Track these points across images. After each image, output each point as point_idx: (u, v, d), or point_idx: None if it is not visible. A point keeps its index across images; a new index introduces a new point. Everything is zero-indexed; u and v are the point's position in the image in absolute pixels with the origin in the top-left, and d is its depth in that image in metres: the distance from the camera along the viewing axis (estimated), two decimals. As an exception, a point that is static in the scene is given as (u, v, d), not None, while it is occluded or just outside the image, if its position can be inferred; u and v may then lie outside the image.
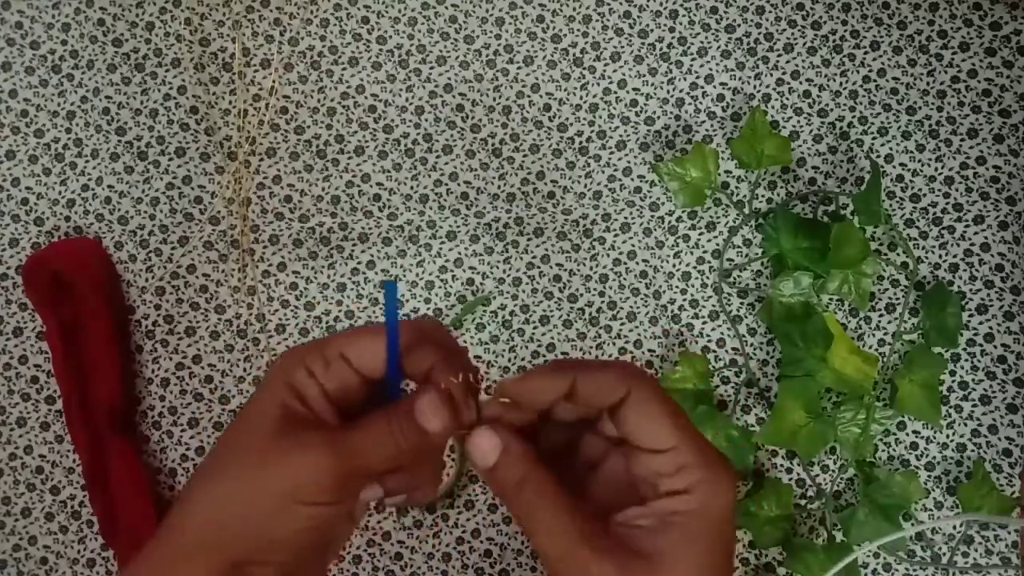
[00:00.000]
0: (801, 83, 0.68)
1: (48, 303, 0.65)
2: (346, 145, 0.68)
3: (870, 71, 0.68)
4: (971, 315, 0.66)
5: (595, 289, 0.67)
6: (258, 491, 0.40)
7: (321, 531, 0.42)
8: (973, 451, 0.65)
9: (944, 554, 0.64)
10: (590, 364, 0.42)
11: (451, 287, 0.67)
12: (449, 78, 0.68)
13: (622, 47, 0.68)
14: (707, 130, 0.68)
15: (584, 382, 0.41)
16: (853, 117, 0.67)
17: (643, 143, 0.68)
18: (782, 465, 0.65)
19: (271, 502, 0.40)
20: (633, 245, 0.67)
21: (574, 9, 0.68)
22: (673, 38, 0.68)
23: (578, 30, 0.68)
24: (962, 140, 0.67)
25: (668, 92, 0.68)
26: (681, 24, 0.68)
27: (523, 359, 0.66)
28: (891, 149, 0.67)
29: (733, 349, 0.66)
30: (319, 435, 0.41)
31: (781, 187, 0.67)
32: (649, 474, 0.40)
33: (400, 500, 0.46)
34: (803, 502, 0.65)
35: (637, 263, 0.67)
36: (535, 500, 0.40)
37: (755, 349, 0.66)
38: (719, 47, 0.68)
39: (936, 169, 0.67)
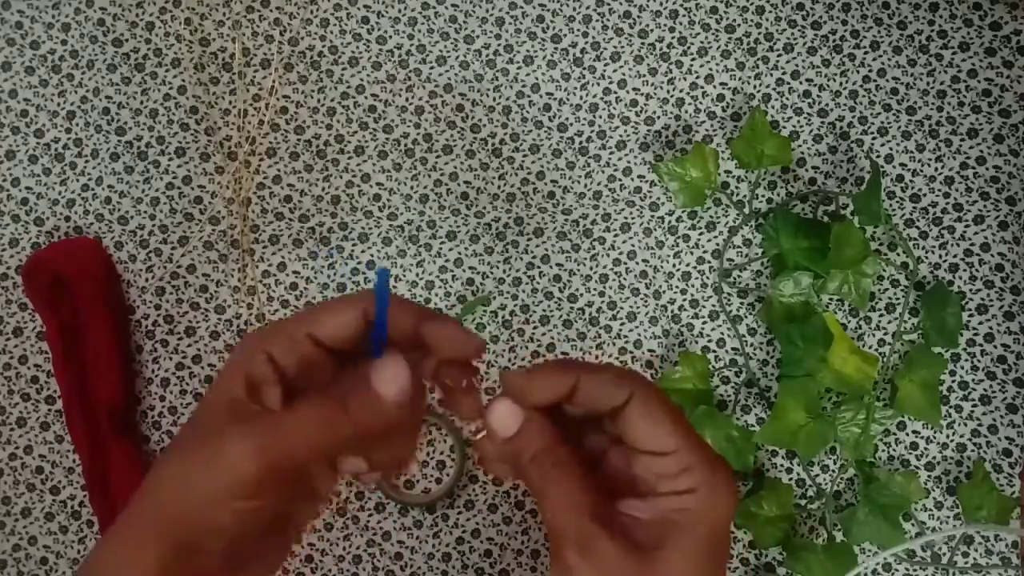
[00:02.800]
0: (801, 83, 0.68)
1: (48, 303, 0.65)
2: (346, 145, 0.68)
3: (870, 71, 0.68)
4: (971, 315, 0.66)
5: (595, 289, 0.67)
6: (190, 482, 0.40)
7: (263, 519, 0.42)
8: (973, 451, 0.65)
9: (944, 554, 0.64)
10: (593, 367, 0.42)
11: (451, 287, 0.67)
12: (449, 78, 0.68)
13: (622, 47, 0.68)
14: (707, 130, 0.68)
15: (587, 383, 0.41)
16: (853, 117, 0.67)
17: (643, 143, 0.68)
18: (782, 465, 0.65)
19: (201, 495, 0.40)
20: (633, 245, 0.67)
21: (574, 9, 0.68)
22: (673, 38, 0.68)
23: (578, 30, 0.68)
24: (962, 140, 0.67)
25: (668, 92, 0.68)
26: (681, 24, 0.68)
27: (523, 359, 0.66)
28: (891, 149, 0.67)
29: (733, 349, 0.66)
30: (247, 428, 0.40)
31: (781, 187, 0.67)
32: (649, 475, 0.41)
33: (375, 476, 0.46)
34: (803, 502, 0.65)
35: (637, 263, 0.67)
36: (552, 472, 0.41)
37: (755, 349, 0.66)
38: (719, 47, 0.68)
39: (936, 169, 0.67)
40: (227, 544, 0.42)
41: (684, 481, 0.40)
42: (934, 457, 0.65)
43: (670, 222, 0.67)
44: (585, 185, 0.67)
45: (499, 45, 0.68)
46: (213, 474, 0.40)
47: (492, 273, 0.67)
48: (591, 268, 0.67)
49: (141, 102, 0.68)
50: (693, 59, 0.68)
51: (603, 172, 0.67)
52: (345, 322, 0.43)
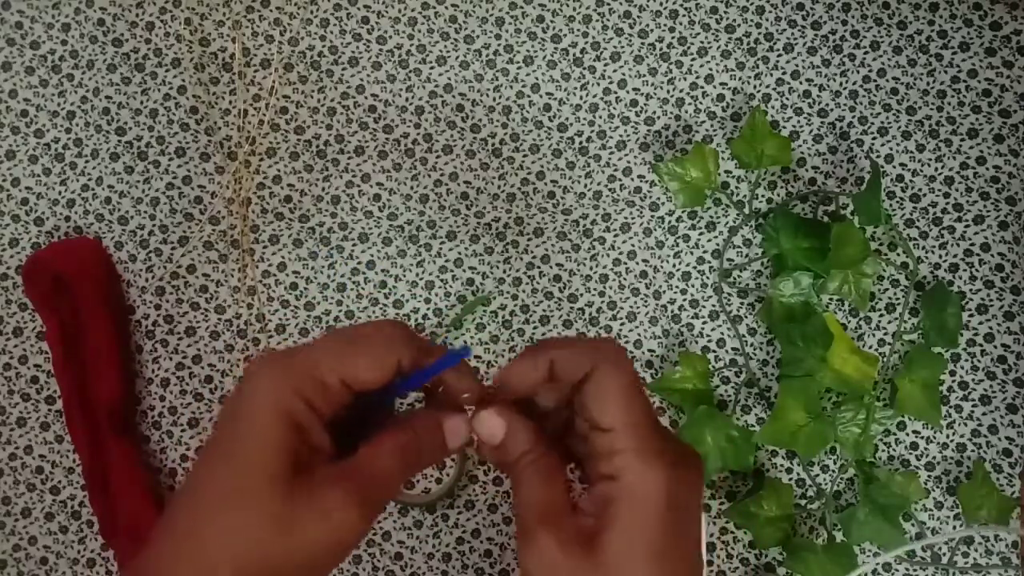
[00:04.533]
0: (801, 83, 0.68)
1: (48, 303, 0.65)
2: (346, 145, 0.68)
3: (870, 71, 0.68)
4: (971, 315, 0.66)
5: (595, 289, 0.67)
6: (289, 546, 0.38)
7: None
8: (973, 451, 0.65)
9: (944, 554, 0.64)
10: (564, 341, 0.43)
11: (451, 287, 0.67)
12: (449, 78, 0.68)
13: (622, 47, 0.68)
14: (707, 130, 0.68)
15: (560, 358, 0.42)
16: (853, 117, 0.67)
17: (643, 143, 0.68)
18: (782, 465, 0.65)
19: (301, 555, 0.38)
20: (633, 245, 0.67)
21: (574, 9, 0.68)
22: (673, 38, 0.68)
23: (578, 30, 0.68)
24: (962, 140, 0.67)
25: (668, 92, 0.68)
26: (681, 24, 0.68)
27: (523, 359, 0.66)
28: (891, 149, 0.67)
29: (733, 349, 0.66)
30: (339, 491, 0.39)
31: (781, 187, 0.67)
32: (592, 453, 0.41)
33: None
34: (803, 502, 0.65)
35: (637, 263, 0.67)
36: (520, 475, 0.42)
37: (755, 349, 0.66)
38: (719, 47, 0.68)
39: (936, 169, 0.67)
40: None
41: (610, 464, 0.40)
42: (934, 457, 0.65)
43: (670, 222, 0.67)
44: (585, 185, 0.67)
45: (499, 45, 0.68)
46: (322, 534, 0.38)
47: (492, 273, 0.67)
48: (591, 268, 0.67)
49: (141, 102, 0.68)
50: (693, 59, 0.68)
51: (603, 172, 0.67)
52: (381, 371, 0.41)
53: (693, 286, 0.67)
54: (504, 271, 0.67)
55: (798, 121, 0.67)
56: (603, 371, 0.41)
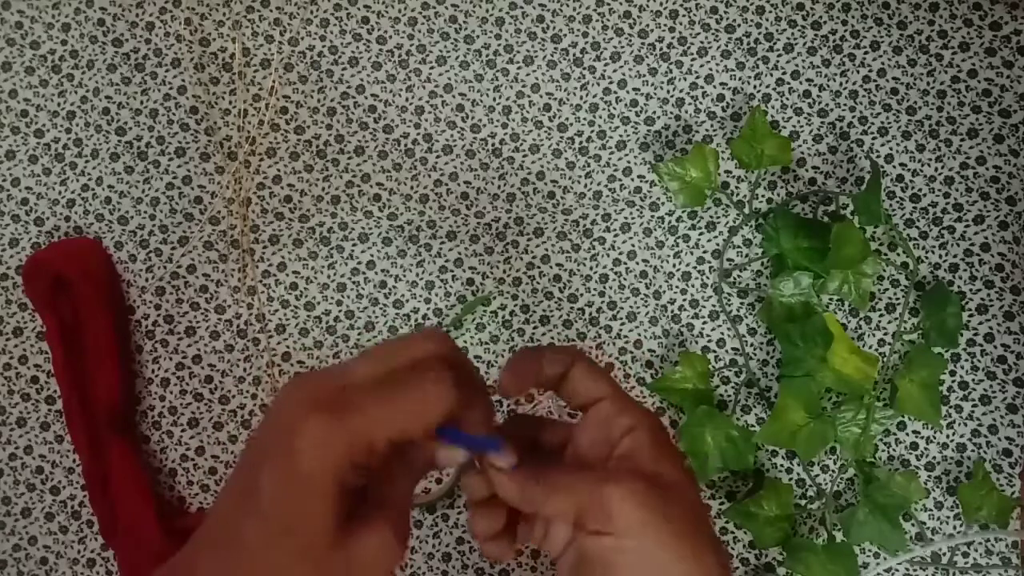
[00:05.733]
0: (801, 83, 0.68)
1: (48, 303, 0.65)
2: (346, 145, 0.68)
3: (870, 71, 0.68)
4: (971, 315, 0.66)
5: (595, 289, 0.67)
6: None
7: None
8: (973, 451, 0.65)
9: (944, 554, 0.64)
10: (541, 350, 0.48)
11: (451, 287, 0.67)
12: (449, 78, 0.68)
13: (622, 47, 0.68)
14: (707, 130, 0.68)
15: (546, 358, 0.48)
16: (853, 117, 0.67)
17: (643, 143, 0.68)
18: (782, 465, 0.65)
19: None
20: (633, 245, 0.67)
21: (574, 9, 0.68)
22: (673, 38, 0.68)
23: (578, 30, 0.68)
24: (962, 140, 0.67)
25: (668, 92, 0.68)
26: (681, 24, 0.68)
27: (523, 359, 0.66)
28: (891, 149, 0.67)
29: (733, 349, 0.66)
30: (378, 526, 0.41)
31: (781, 187, 0.67)
32: (600, 424, 0.47)
33: None
34: (803, 502, 0.65)
35: (637, 263, 0.67)
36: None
37: (755, 349, 0.66)
38: (719, 47, 0.68)
39: (936, 169, 0.67)
40: None
41: (625, 419, 0.46)
42: (934, 457, 0.65)
43: (670, 222, 0.67)
44: (585, 185, 0.67)
45: (499, 45, 0.68)
46: (373, 570, 0.40)
47: (492, 273, 0.67)
48: (591, 268, 0.67)
49: (141, 102, 0.68)
50: (693, 59, 0.68)
51: (603, 172, 0.67)
52: (425, 430, 0.41)
53: (693, 286, 0.67)
54: (504, 271, 0.67)
55: (798, 121, 0.67)
56: (581, 360, 0.48)
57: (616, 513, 0.42)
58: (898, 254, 0.66)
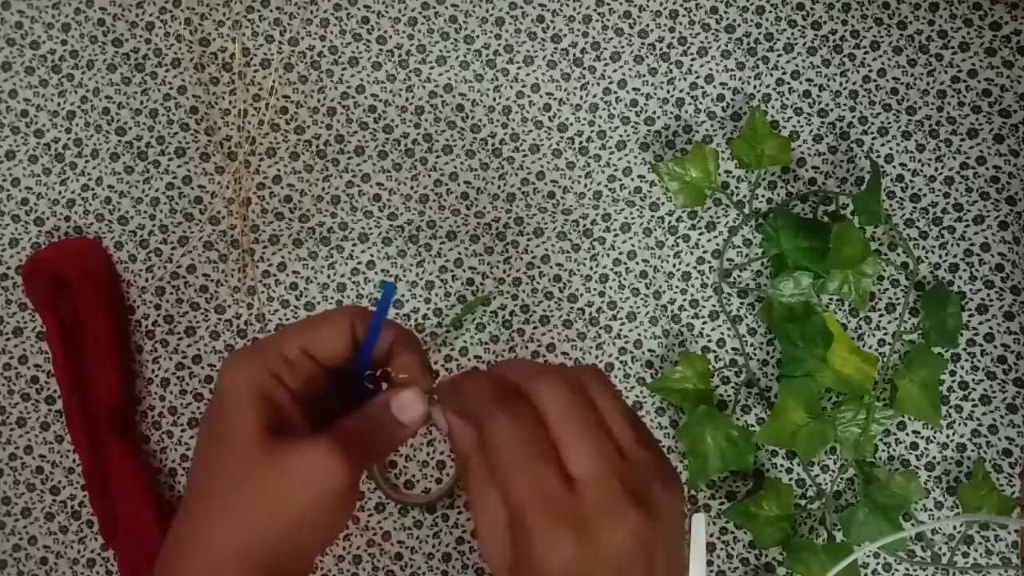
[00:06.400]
0: (801, 83, 0.68)
1: (48, 303, 0.65)
2: (346, 145, 0.68)
3: (870, 71, 0.68)
4: (971, 315, 0.66)
5: (595, 289, 0.67)
6: (280, 503, 0.40)
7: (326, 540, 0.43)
8: (973, 451, 0.65)
9: (944, 554, 0.64)
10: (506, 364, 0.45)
11: (451, 287, 0.67)
12: (449, 78, 0.68)
13: (622, 47, 0.68)
14: (707, 130, 0.68)
15: (504, 372, 0.44)
16: (853, 117, 0.67)
17: (643, 143, 0.68)
18: (782, 465, 0.65)
19: (296, 514, 0.40)
20: (633, 245, 0.67)
21: (574, 9, 0.68)
22: (673, 38, 0.68)
23: (578, 30, 0.68)
24: (962, 140, 0.67)
25: (668, 92, 0.68)
26: (681, 24, 0.68)
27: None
28: (891, 149, 0.67)
29: (733, 349, 0.66)
30: (318, 443, 0.41)
31: (781, 187, 0.67)
32: None
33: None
34: (803, 502, 0.65)
35: (637, 263, 0.67)
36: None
37: (755, 349, 0.66)
38: (719, 47, 0.68)
39: (936, 169, 0.67)
40: (308, 565, 0.43)
41: None
42: (934, 457, 0.65)
43: (670, 222, 0.67)
44: (585, 185, 0.67)
45: (499, 45, 0.68)
46: (309, 486, 0.40)
47: (492, 273, 0.67)
48: (591, 268, 0.67)
49: (141, 102, 0.68)
50: (693, 59, 0.68)
51: (603, 172, 0.67)
52: (339, 337, 0.44)
53: (693, 286, 0.67)
54: (504, 271, 0.67)
55: (798, 121, 0.67)
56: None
57: None
58: (898, 254, 0.66)
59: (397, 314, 0.67)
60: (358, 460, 0.42)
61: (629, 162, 0.67)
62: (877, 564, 0.64)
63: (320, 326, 0.44)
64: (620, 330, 0.66)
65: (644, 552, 0.36)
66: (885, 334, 0.66)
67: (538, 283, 0.67)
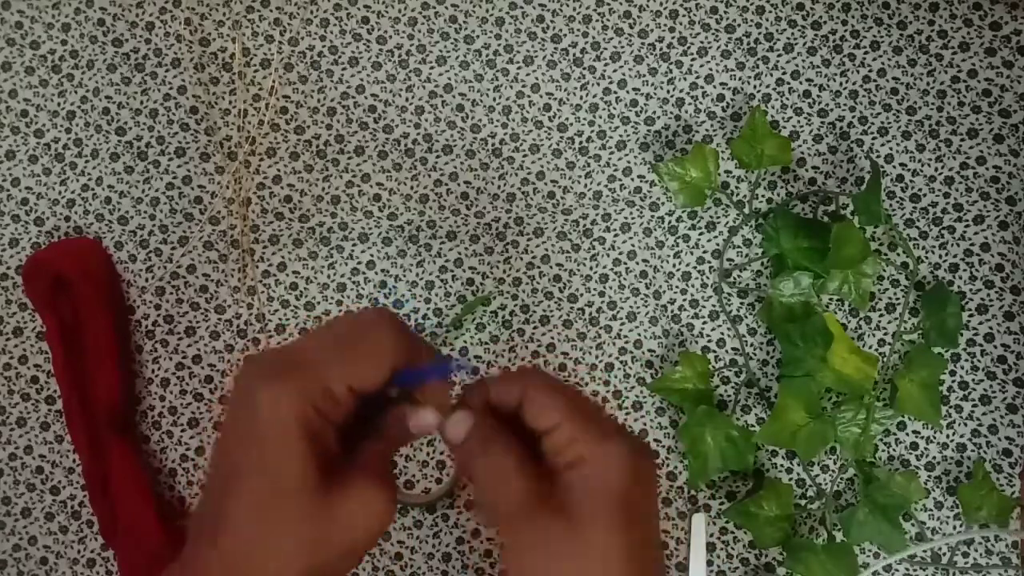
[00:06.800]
0: (801, 83, 0.68)
1: (48, 303, 0.65)
2: (346, 145, 0.68)
3: (870, 71, 0.68)
4: (971, 315, 0.66)
5: (595, 289, 0.67)
6: (331, 552, 0.41)
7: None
8: (973, 451, 0.65)
9: (944, 554, 0.64)
10: (493, 379, 0.45)
11: (451, 287, 0.67)
12: (449, 78, 0.68)
13: (622, 47, 0.68)
14: (707, 130, 0.68)
15: (494, 389, 0.45)
16: (853, 117, 0.67)
17: (643, 143, 0.68)
18: (782, 465, 0.65)
19: (342, 548, 0.41)
20: (633, 245, 0.67)
21: (574, 9, 0.68)
22: (673, 38, 0.68)
23: (578, 30, 0.68)
24: (962, 140, 0.67)
25: (668, 92, 0.68)
26: (681, 24, 0.68)
27: (523, 359, 0.66)
28: (891, 149, 0.67)
29: (733, 349, 0.66)
30: (367, 482, 0.41)
31: (781, 187, 0.67)
32: (550, 453, 0.43)
33: None
34: (803, 502, 0.65)
35: (637, 263, 0.67)
36: (484, 458, 0.44)
37: (755, 349, 0.66)
38: (719, 47, 0.68)
39: (936, 169, 0.67)
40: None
41: (573, 451, 0.42)
42: (934, 457, 0.65)
43: (670, 222, 0.67)
44: (585, 185, 0.67)
45: (499, 45, 0.68)
46: (361, 523, 0.41)
47: (492, 273, 0.67)
48: (591, 268, 0.67)
49: (141, 102, 0.68)
50: (693, 59, 0.68)
51: (603, 172, 0.67)
52: (382, 371, 0.43)
53: (693, 286, 0.67)
54: (504, 271, 0.67)
55: (798, 121, 0.67)
56: (531, 385, 0.44)
57: None
58: (898, 254, 0.66)
59: (397, 314, 0.66)
60: (393, 483, 0.43)
61: (629, 162, 0.67)
62: (880, 567, 0.64)
63: (364, 360, 0.42)
64: (620, 330, 0.66)
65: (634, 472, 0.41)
66: (885, 334, 0.66)
67: (538, 283, 0.67)
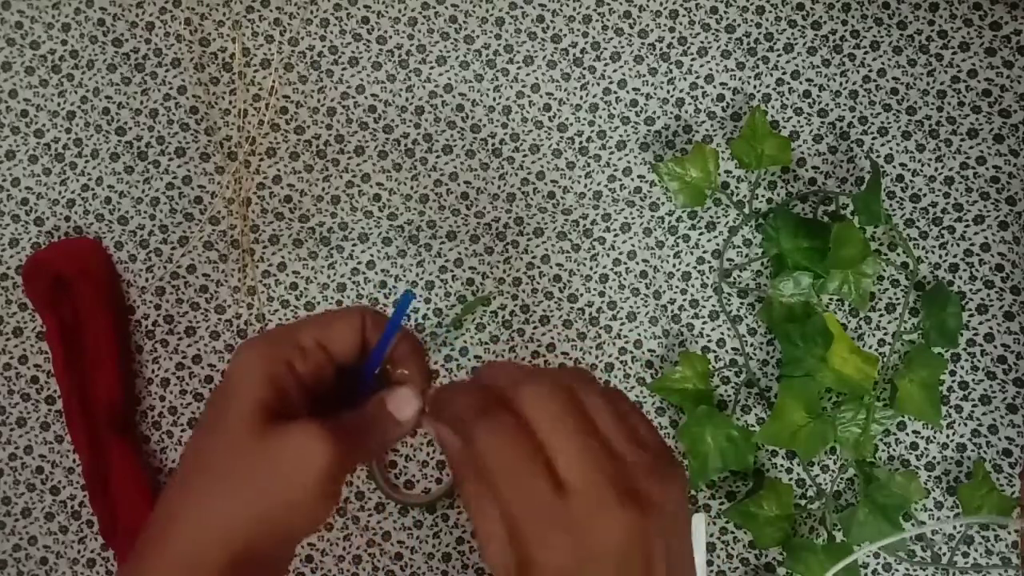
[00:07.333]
0: (801, 83, 0.68)
1: (48, 303, 0.65)
2: (346, 145, 0.68)
3: (870, 71, 0.68)
4: (971, 315, 0.66)
5: (595, 289, 0.67)
6: (269, 484, 0.41)
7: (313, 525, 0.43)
8: (973, 451, 0.65)
9: (944, 554, 0.64)
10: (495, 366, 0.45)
11: (451, 287, 0.67)
12: (449, 78, 0.68)
13: (622, 47, 0.68)
14: (707, 130, 0.68)
15: (488, 377, 0.44)
16: (853, 117, 0.67)
17: (643, 143, 0.68)
18: (782, 465, 0.65)
19: (284, 494, 0.41)
20: (633, 245, 0.67)
21: (574, 9, 0.68)
22: (673, 38, 0.68)
23: (578, 30, 0.68)
24: (962, 140, 0.67)
25: (668, 92, 0.68)
26: (681, 24, 0.68)
27: (523, 359, 0.66)
28: (891, 149, 0.67)
29: (733, 349, 0.66)
30: (311, 427, 0.41)
31: (781, 187, 0.67)
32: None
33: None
34: (803, 502, 0.65)
35: (637, 263, 0.67)
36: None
37: (755, 349, 0.66)
38: (719, 47, 0.68)
39: (936, 169, 0.67)
40: (289, 551, 0.43)
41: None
42: (934, 457, 0.65)
43: (670, 222, 0.67)
44: (585, 185, 0.67)
45: (499, 45, 0.68)
46: (293, 469, 0.41)
47: (492, 273, 0.67)
48: (591, 268, 0.67)
49: (141, 102, 0.68)
50: (693, 59, 0.68)
51: (603, 172, 0.67)
52: (352, 334, 0.45)
53: (693, 286, 0.67)
54: (504, 271, 0.67)
55: (798, 121, 0.67)
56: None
57: None
58: (898, 254, 0.66)
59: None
60: (348, 451, 0.42)
61: (629, 162, 0.67)
62: (877, 564, 0.64)
63: (335, 321, 0.45)
64: (620, 330, 0.66)
65: (642, 549, 0.36)
66: (885, 334, 0.66)
67: (538, 283, 0.67)
